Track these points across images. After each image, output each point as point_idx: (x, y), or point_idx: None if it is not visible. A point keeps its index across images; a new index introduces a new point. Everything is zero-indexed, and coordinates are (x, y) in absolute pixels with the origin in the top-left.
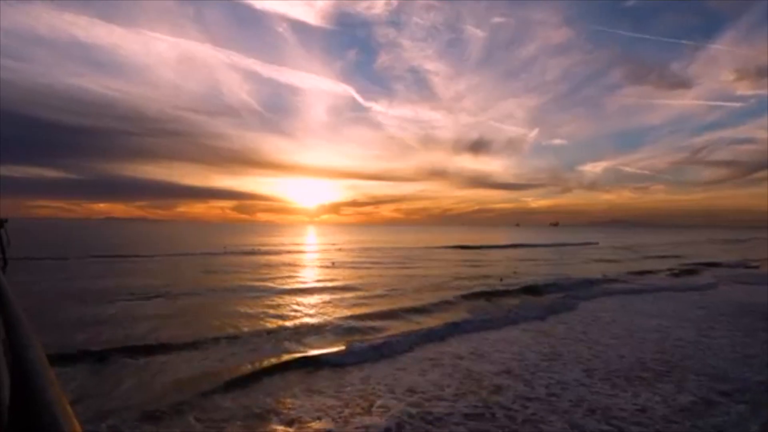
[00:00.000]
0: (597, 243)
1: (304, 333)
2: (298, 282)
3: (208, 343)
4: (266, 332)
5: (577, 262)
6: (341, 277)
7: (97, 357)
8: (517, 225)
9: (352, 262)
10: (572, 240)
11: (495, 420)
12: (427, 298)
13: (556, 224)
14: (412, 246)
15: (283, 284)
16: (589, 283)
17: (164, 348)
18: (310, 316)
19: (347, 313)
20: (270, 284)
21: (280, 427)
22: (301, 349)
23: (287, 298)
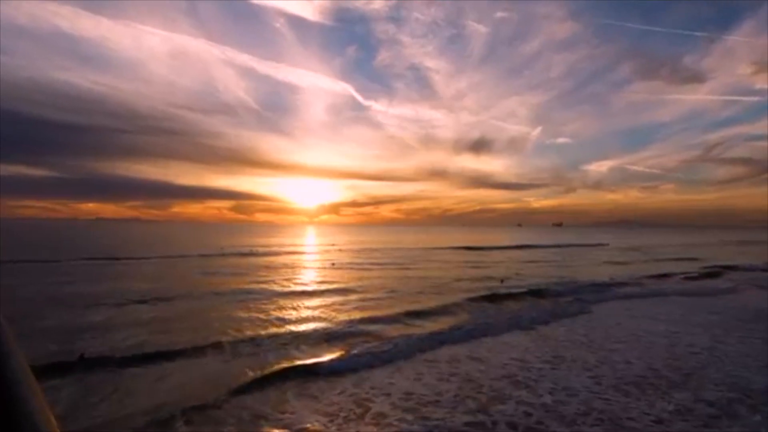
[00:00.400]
0: (607, 244)
1: (301, 339)
2: (297, 284)
3: (202, 350)
4: (261, 339)
5: (585, 264)
6: (341, 278)
7: (83, 367)
8: (519, 225)
9: (352, 263)
10: (580, 241)
11: (496, 428)
12: (428, 301)
13: (559, 225)
14: (412, 247)
15: (281, 287)
16: (600, 286)
17: (156, 357)
18: (309, 320)
19: (347, 317)
20: (267, 287)
21: None
22: (297, 355)
23: (285, 302)
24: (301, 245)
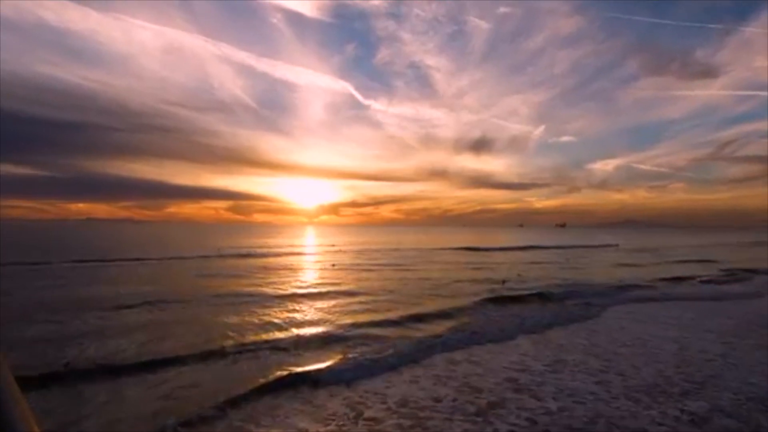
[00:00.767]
0: (617, 245)
1: (300, 344)
2: (296, 287)
3: (196, 358)
4: (258, 345)
5: (594, 265)
6: (341, 280)
7: (68, 378)
8: (521, 226)
9: (353, 265)
10: (587, 242)
11: None
12: (429, 304)
13: (563, 225)
14: (412, 247)
15: (280, 290)
16: (611, 289)
17: (147, 366)
18: (308, 324)
19: (347, 320)
20: (266, 290)
21: None
22: (296, 362)
23: (284, 305)
24: (301, 246)
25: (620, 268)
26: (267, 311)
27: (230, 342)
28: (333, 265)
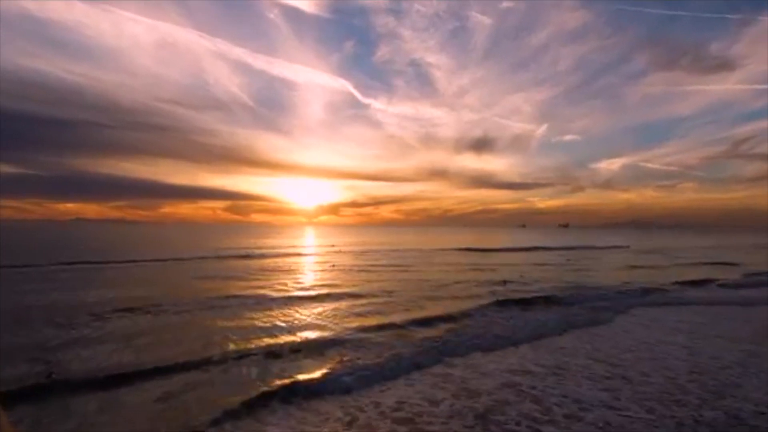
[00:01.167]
0: (628, 246)
1: (299, 350)
2: (295, 289)
3: (188, 367)
4: (254, 351)
5: (603, 268)
6: (341, 281)
7: (51, 390)
8: (523, 226)
9: (353, 265)
10: (594, 243)
11: None
12: (430, 307)
13: (565, 225)
14: (412, 248)
15: (278, 292)
16: (622, 293)
17: (136, 376)
18: (307, 328)
19: (346, 324)
20: (264, 292)
21: None
22: (293, 370)
23: (283, 308)
24: (300, 246)
25: (633, 271)
26: (264, 315)
27: (225, 348)
28: (332, 266)
